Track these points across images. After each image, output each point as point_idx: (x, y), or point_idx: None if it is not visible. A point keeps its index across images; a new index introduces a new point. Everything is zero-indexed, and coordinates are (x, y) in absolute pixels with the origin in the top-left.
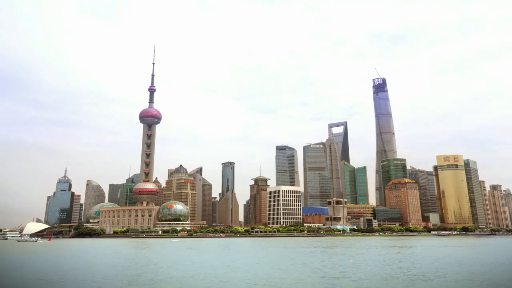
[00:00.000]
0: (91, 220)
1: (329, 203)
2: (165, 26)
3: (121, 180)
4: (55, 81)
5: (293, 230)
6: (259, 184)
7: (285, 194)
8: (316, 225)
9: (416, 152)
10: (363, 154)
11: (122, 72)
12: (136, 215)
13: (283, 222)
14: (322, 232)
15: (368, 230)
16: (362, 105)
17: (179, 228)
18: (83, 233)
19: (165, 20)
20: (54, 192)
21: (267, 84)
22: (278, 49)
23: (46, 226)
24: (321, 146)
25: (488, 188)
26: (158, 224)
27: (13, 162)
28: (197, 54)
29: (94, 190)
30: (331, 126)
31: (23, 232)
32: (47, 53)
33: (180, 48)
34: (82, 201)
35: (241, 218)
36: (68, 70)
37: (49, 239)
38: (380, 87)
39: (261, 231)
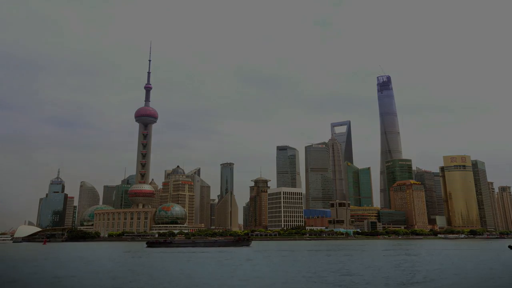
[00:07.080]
0: (85, 223)
1: (332, 205)
2: (162, 23)
3: (116, 181)
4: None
5: (295, 233)
6: (259, 186)
7: (286, 196)
8: (318, 228)
9: (422, 152)
10: (367, 154)
11: (118, 70)
12: (132, 218)
13: (284, 225)
14: (324, 235)
15: (372, 233)
16: (366, 104)
17: (176, 231)
18: (77, 236)
19: (162, 16)
20: (47, 194)
21: (267, 82)
22: (278, 47)
23: (39, 229)
24: (324, 146)
25: (496, 190)
26: (154, 227)
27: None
28: (196, 53)
29: (88, 192)
30: (334, 125)
31: (15, 235)
32: None
33: (178, 46)
34: (76, 203)
35: (240, 220)
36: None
37: (44, 243)
38: (384, 85)
39: (261, 234)
